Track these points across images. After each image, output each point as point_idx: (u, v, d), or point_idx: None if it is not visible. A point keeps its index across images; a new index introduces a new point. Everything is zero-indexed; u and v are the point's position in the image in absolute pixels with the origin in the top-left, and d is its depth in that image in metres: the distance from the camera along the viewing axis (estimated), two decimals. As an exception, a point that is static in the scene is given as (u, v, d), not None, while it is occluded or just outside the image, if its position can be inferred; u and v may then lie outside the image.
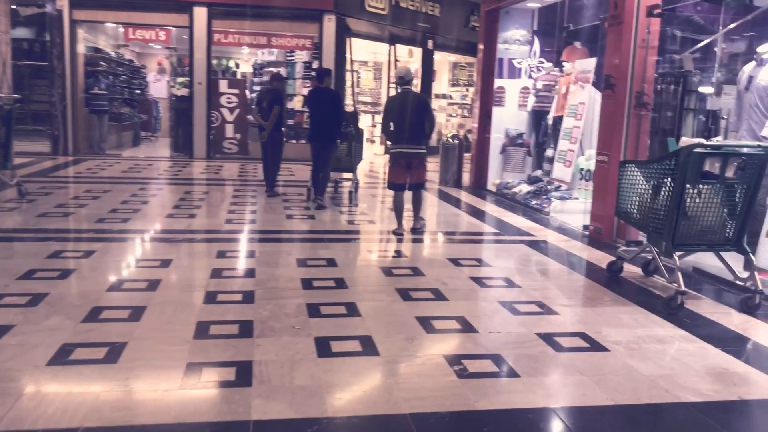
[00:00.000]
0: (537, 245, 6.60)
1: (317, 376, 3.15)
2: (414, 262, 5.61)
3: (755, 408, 3.12)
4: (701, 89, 6.82)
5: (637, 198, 4.98)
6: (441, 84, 19.56)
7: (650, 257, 5.22)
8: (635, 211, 5.02)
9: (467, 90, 19.89)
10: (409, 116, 6.45)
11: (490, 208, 9.00)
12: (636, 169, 5.04)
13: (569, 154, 8.92)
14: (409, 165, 6.53)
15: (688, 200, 4.49)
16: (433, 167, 14.61)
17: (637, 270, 5.46)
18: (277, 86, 8.84)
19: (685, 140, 4.68)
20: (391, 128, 6.55)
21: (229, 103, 14.29)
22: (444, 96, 19.43)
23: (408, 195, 6.73)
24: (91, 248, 5.58)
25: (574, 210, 8.43)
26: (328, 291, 4.63)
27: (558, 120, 9.58)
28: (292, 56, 15.46)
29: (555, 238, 6.95)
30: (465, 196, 9.99)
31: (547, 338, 3.82)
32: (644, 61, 6.46)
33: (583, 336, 3.89)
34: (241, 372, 3.16)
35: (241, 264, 5.37)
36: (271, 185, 8.90)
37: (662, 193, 4.65)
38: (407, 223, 6.87)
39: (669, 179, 4.61)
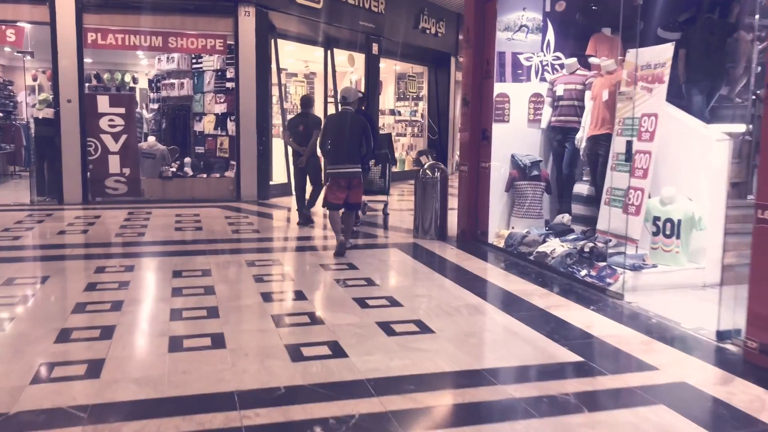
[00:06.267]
0: (685, 405, 3.26)
1: None
2: None
3: None
4: None
5: None
6: (387, 97, 16.28)
7: None
8: None
9: (416, 105, 16.71)
10: (347, 137, 6.41)
11: (513, 285, 5.62)
12: None
13: (634, 195, 5.69)
14: (349, 185, 6.51)
15: None
16: (397, 204, 11.11)
17: None
18: (311, 111, 8.51)
19: None
20: (329, 147, 6.53)
21: (113, 126, 10.46)
22: (392, 112, 16.15)
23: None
24: None
25: (654, 285, 5.26)
26: None
27: (597, 141, 6.42)
28: (200, 63, 11.78)
29: (698, 374, 3.61)
30: (461, 259, 6.62)
31: None
32: None
33: None
34: None
35: None
36: (306, 209, 8.46)
37: None
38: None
39: None
